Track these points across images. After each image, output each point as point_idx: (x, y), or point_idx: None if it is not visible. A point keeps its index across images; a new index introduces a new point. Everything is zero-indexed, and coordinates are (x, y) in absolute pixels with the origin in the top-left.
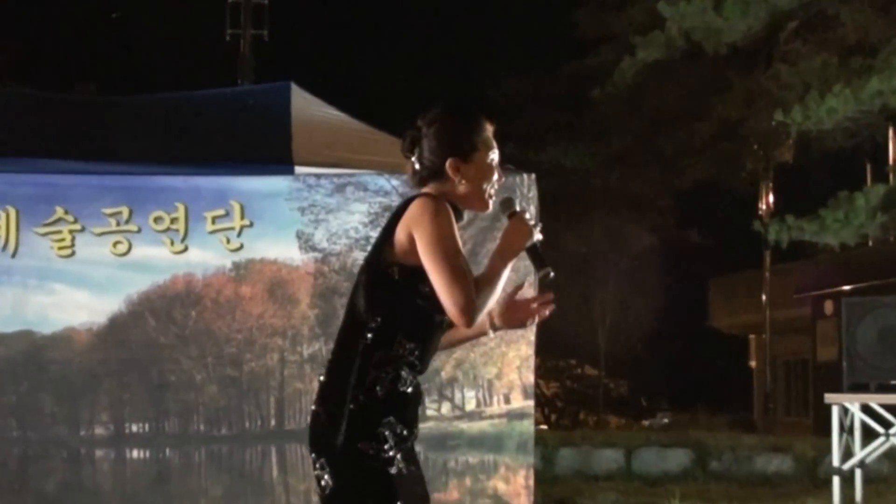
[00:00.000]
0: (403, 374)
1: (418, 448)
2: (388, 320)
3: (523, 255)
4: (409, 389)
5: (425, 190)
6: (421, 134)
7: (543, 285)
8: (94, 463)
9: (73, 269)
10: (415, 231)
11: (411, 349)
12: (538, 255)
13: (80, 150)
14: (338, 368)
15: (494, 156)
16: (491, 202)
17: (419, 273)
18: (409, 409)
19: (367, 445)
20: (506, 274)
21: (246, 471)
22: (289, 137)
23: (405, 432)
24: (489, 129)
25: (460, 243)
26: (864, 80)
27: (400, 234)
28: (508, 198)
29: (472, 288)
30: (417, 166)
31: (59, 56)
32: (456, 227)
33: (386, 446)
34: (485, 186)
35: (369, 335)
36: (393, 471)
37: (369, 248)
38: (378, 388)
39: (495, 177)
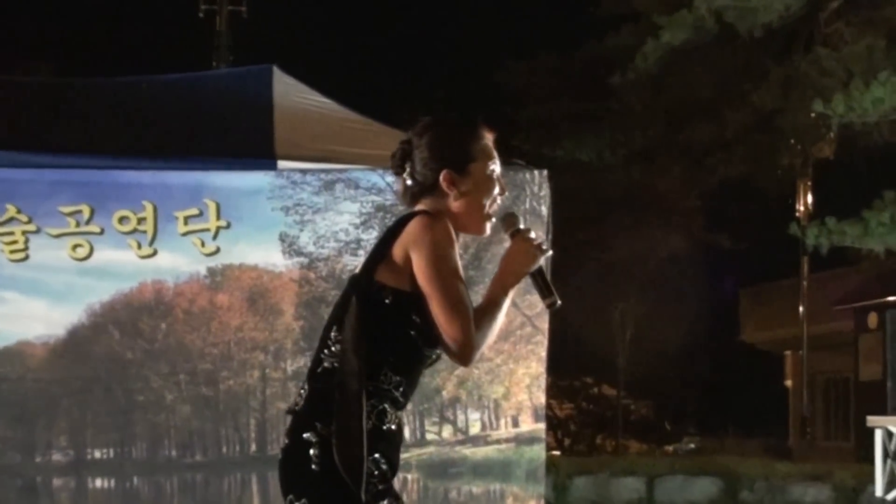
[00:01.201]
0: (387, 408)
1: (416, 475)
2: (374, 350)
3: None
4: (394, 427)
5: (420, 207)
6: (412, 146)
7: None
8: (52, 493)
9: (27, 276)
10: (413, 252)
11: (396, 383)
12: (544, 281)
13: (33, 140)
14: (313, 401)
15: (495, 167)
16: (489, 224)
17: (414, 300)
18: (391, 448)
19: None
20: (507, 303)
21: (223, 501)
22: (271, 128)
23: (388, 472)
24: (488, 138)
25: (461, 271)
26: None
27: (397, 255)
28: (511, 213)
29: (472, 324)
30: (409, 182)
31: (8, 31)
32: (454, 245)
33: (371, 482)
34: (484, 202)
35: (364, 368)
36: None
37: (361, 254)
38: (366, 422)
39: (496, 191)
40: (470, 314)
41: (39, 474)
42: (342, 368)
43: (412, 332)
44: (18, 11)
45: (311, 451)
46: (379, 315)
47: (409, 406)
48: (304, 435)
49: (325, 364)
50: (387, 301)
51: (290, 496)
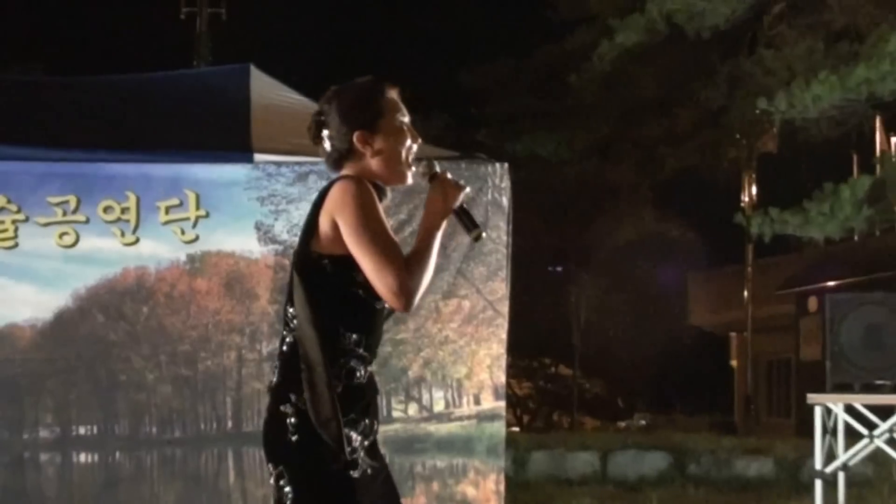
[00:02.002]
0: (354, 365)
1: (383, 451)
2: (328, 315)
3: None
4: (364, 381)
5: (343, 172)
6: (324, 115)
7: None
8: (39, 468)
9: (16, 262)
10: (338, 218)
11: (356, 341)
12: (467, 216)
13: (23, 134)
14: (285, 375)
15: (404, 118)
16: (410, 173)
17: (352, 261)
18: (366, 400)
19: (328, 450)
20: (437, 244)
21: (201, 476)
22: (248, 123)
23: (368, 423)
24: (392, 92)
25: (387, 223)
26: (850, 66)
27: (324, 224)
28: (427, 160)
29: (405, 269)
30: (329, 149)
31: (2, 34)
32: (380, 206)
33: (349, 448)
34: (400, 152)
35: (315, 332)
36: (356, 474)
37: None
38: (334, 385)
39: (409, 141)
40: (401, 262)
41: (27, 450)
42: (301, 340)
43: (359, 291)
44: (12, 16)
45: (289, 422)
46: (323, 283)
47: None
48: (281, 407)
49: (288, 339)
50: (327, 268)
51: (271, 465)
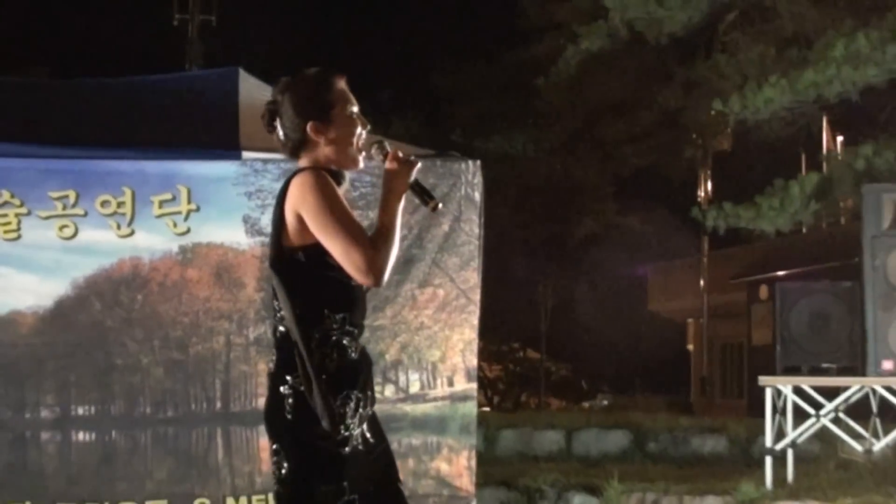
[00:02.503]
0: (345, 342)
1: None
2: (311, 301)
3: None
4: (356, 355)
5: (300, 163)
6: (277, 106)
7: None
8: (40, 445)
9: (19, 253)
10: (301, 210)
11: (342, 319)
12: (422, 189)
13: (26, 132)
14: (282, 359)
15: (353, 108)
16: (361, 157)
17: (322, 248)
18: (361, 375)
19: (321, 428)
20: (398, 219)
21: (191, 453)
22: (236, 122)
23: (362, 396)
24: (341, 83)
25: (346, 206)
26: (799, 71)
27: (289, 218)
28: (378, 140)
29: (370, 247)
30: (283, 138)
31: (9, 40)
32: (339, 191)
33: (342, 427)
34: (352, 139)
35: (300, 320)
36: (347, 450)
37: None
38: (329, 365)
39: (359, 129)
40: (365, 241)
41: (28, 429)
42: (290, 330)
43: (335, 274)
44: (18, 23)
45: (287, 402)
46: (301, 273)
47: None
48: (280, 389)
49: (279, 328)
50: (301, 259)
51: (272, 442)
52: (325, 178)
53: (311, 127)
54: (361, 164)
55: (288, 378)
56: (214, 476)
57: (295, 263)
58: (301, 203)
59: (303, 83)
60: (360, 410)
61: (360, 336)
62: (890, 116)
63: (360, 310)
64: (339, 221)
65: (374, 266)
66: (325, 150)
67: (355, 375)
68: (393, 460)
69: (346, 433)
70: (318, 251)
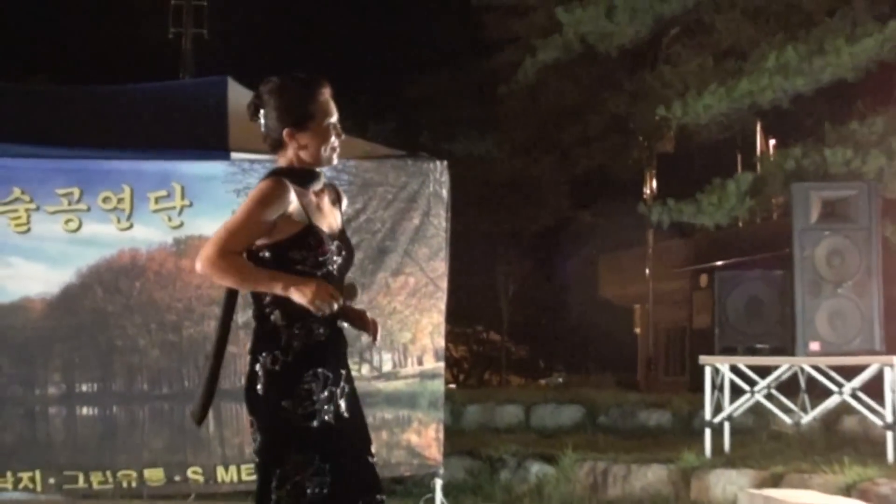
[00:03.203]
0: (313, 326)
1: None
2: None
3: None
4: (324, 337)
5: (277, 161)
6: (262, 102)
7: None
8: (48, 419)
9: (29, 245)
10: None
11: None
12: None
13: (35, 135)
14: (256, 339)
15: (331, 119)
16: (326, 161)
17: (284, 243)
18: (329, 353)
19: (290, 403)
20: (262, 288)
21: (185, 426)
22: (225, 126)
23: (332, 375)
24: (324, 94)
25: (262, 221)
26: (735, 80)
27: None
28: (351, 286)
29: (226, 253)
30: (263, 131)
31: (14, 49)
32: (276, 204)
33: (307, 402)
34: (322, 148)
35: (270, 309)
36: (315, 424)
37: None
38: (296, 344)
39: (332, 139)
40: (229, 243)
41: (38, 404)
42: (261, 312)
43: (298, 267)
44: (23, 35)
45: (259, 378)
46: (268, 268)
47: None
48: (255, 367)
49: (256, 311)
50: (267, 256)
51: (249, 416)
52: (275, 190)
53: (286, 132)
54: (322, 164)
55: (260, 356)
56: (206, 447)
57: (262, 261)
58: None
59: (288, 91)
60: (330, 388)
61: (333, 320)
62: (817, 122)
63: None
64: (235, 219)
65: (207, 261)
66: (298, 153)
67: (323, 355)
68: (367, 436)
69: (314, 408)
70: (279, 248)
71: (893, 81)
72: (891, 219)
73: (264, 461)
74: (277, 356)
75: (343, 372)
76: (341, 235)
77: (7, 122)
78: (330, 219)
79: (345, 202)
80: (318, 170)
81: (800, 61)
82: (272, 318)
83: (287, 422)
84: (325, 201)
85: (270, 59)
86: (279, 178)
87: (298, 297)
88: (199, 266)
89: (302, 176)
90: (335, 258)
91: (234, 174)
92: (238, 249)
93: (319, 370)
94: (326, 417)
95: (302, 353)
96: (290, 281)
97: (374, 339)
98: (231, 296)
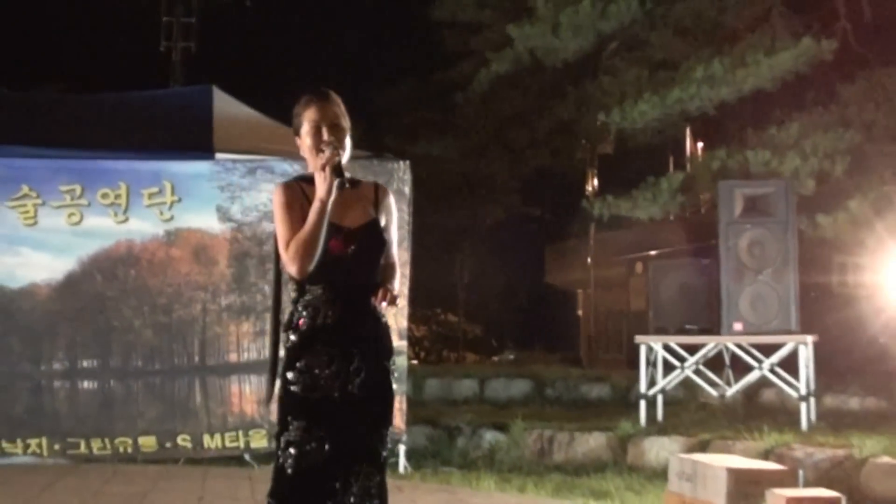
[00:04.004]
0: (323, 310)
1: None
2: (296, 281)
3: None
4: (331, 320)
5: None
6: None
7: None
8: (53, 392)
9: (36, 236)
10: None
11: (321, 289)
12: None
13: (42, 138)
14: (273, 316)
15: (314, 123)
16: (320, 165)
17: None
18: (337, 335)
19: (294, 376)
20: (318, 222)
21: (175, 398)
22: (210, 129)
23: (337, 353)
24: (311, 108)
25: (285, 214)
26: (667, 90)
27: None
28: (333, 145)
29: (287, 250)
30: None
31: (25, 60)
32: (287, 205)
33: (308, 376)
34: (312, 151)
35: (293, 290)
36: (316, 395)
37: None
38: (303, 326)
39: (319, 142)
40: (287, 244)
41: (44, 378)
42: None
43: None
44: (33, 48)
45: (282, 353)
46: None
47: None
48: (279, 347)
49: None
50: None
51: None
52: (278, 196)
53: (296, 140)
54: (318, 161)
55: (282, 336)
56: (193, 417)
57: (279, 258)
58: None
59: (295, 105)
60: (338, 365)
61: (342, 304)
62: (740, 127)
63: (341, 282)
64: (277, 230)
65: (289, 263)
66: (306, 156)
67: (330, 336)
68: (381, 416)
69: (317, 382)
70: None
71: (806, 91)
72: (805, 212)
73: (277, 430)
74: (289, 336)
75: (356, 352)
76: (360, 229)
77: (17, 127)
78: (346, 212)
79: (389, 200)
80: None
81: (724, 73)
82: (292, 304)
83: (291, 392)
84: (345, 197)
85: (251, 70)
86: (280, 184)
87: (323, 192)
88: (292, 273)
89: (308, 177)
90: (344, 246)
91: (218, 172)
92: (291, 237)
93: (323, 349)
94: (332, 392)
95: (308, 333)
96: (318, 200)
97: (382, 301)
98: (276, 292)
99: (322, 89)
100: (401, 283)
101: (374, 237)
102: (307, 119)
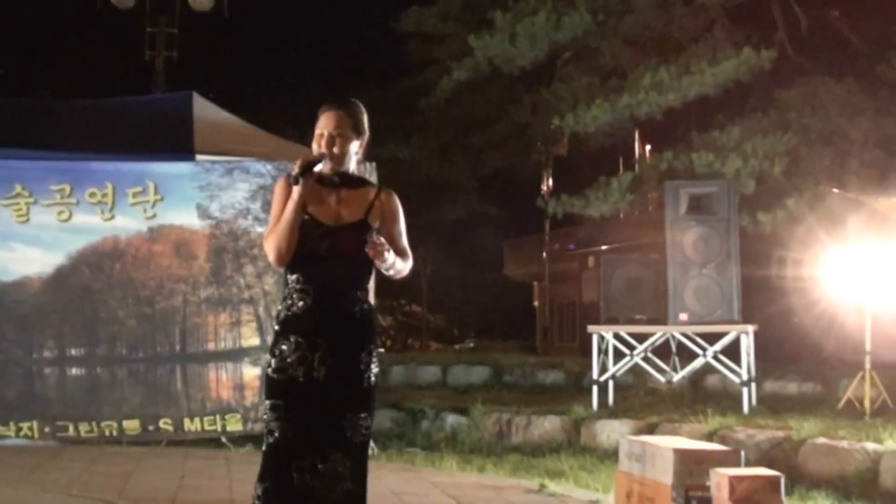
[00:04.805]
0: (296, 298)
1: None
2: (287, 268)
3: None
4: (301, 311)
5: None
6: None
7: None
8: (44, 378)
9: (28, 232)
10: None
11: (296, 279)
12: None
13: (34, 141)
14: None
15: (317, 131)
16: (331, 161)
17: None
18: (305, 323)
19: (270, 359)
20: (289, 217)
21: (158, 384)
22: (191, 132)
23: (305, 341)
24: (323, 111)
25: (277, 206)
26: (617, 96)
27: None
28: (321, 156)
29: (266, 240)
30: None
31: (18, 69)
32: (278, 193)
33: (279, 360)
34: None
35: (284, 279)
36: (279, 377)
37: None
38: (281, 315)
39: (319, 146)
40: (267, 233)
41: (35, 365)
42: None
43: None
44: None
45: None
46: None
47: None
48: None
49: None
50: None
51: None
52: (277, 186)
53: None
54: (338, 165)
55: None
56: (175, 402)
57: None
58: None
59: None
60: (304, 352)
61: (318, 295)
62: (685, 130)
63: (317, 274)
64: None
65: (267, 252)
66: None
67: (298, 323)
68: (349, 402)
69: (283, 365)
70: None
71: (747, 97)
72: (746, 210)
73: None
74: (274, 325)
75: (323, 342)
76: (341, 228)
77: (10, 130)
78: (332, 209)
79: (391, 201)
80: (317, 169)
81: (671, 80)
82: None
83: (268, 376)
84: (335, 195)
85: (229, 77)
86: (283, 177)
87: (294, 189)
88: (270, 261)
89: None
90: (320, 242)
91: (198, 173)
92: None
93: (293, 337)
94: (294, 375)
95: (284, 322)
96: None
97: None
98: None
99: (338, 99)
100: (403, 263)
101: (354, 237)
102: (317, 126)
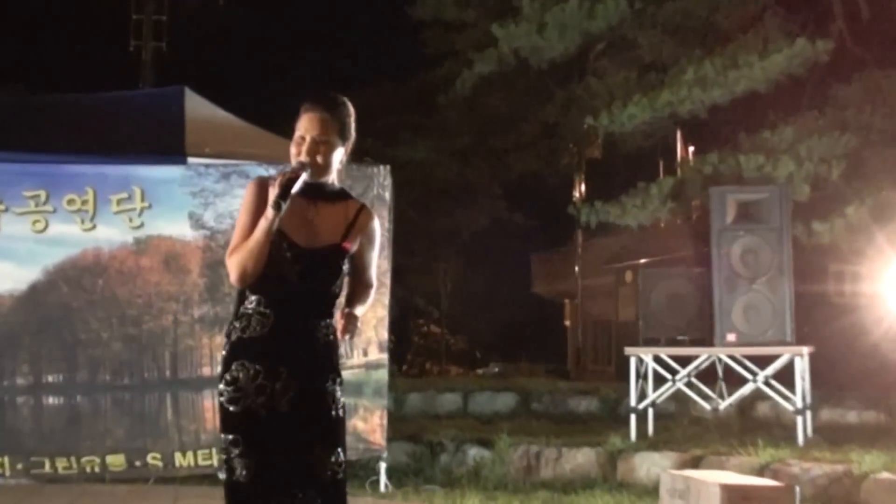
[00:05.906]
0: (253, 322)
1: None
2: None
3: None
4: (257, 334)
5: None
6: None
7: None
8: (16, 408)
9: None
10: None
11: (257, 301)
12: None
13: (4, 140)
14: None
15: (299, 133)
16: (294, 159)
17: None
18: (266, 349)
19: (223, 387)
20: (259, 236)
21: (145, 414)
22: (182, 132)
23: (262, 369)
24: (304, 113)
25: (246, 216)
26: (657, 92)
27: None
28: (301, 164)
29: (229, 253)
30: None
31: None
32: (252, 201)
33: (232, 388)
34: (292, 160)
35: (236, 297)
36: (236, 409)
37: None
38: (233, 337)
39: (299, 151)
40: (232, 248)
41: (6, 394)
42: None
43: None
44: None
45: None
46: None
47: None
48: None
49: None
50: None
51: None
52: (250, 191)
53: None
54: (319, 175)
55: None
56: (165, 434)
57: None
58: None
59: None
60: (262, 381)
61: (280, 319)
62: (732, 130)
63: (284, 300)
64: (235, 228)
65: (230, 269)
66: None
67: (257, 350)
68: (317, 436)
69: (237, 395)
70: None
71: (801, 93)
72: (800, 219)
73: None
74: (225, 345)
75: (284, 370)
76: (315, 251)
77: None
78: (307, 225)
79: (372, 224)
80: (298, 187)
81: (716, 74)
82: (233, 312)
83: (220, 405)
84: (312, 208)
85: (224, 70)
86: (256, 180)
87: (268, 210)
88: (232, 280)
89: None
90: (292, 266)
91: (190, 177)
92: (238, 244)
93: (248, 363)
94: (253, 407)
95: (236, 345)
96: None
97: (343, 335)
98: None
99: (322, 96)
100: (378, 296)
101: (328, 264)
102: (298, 127)
